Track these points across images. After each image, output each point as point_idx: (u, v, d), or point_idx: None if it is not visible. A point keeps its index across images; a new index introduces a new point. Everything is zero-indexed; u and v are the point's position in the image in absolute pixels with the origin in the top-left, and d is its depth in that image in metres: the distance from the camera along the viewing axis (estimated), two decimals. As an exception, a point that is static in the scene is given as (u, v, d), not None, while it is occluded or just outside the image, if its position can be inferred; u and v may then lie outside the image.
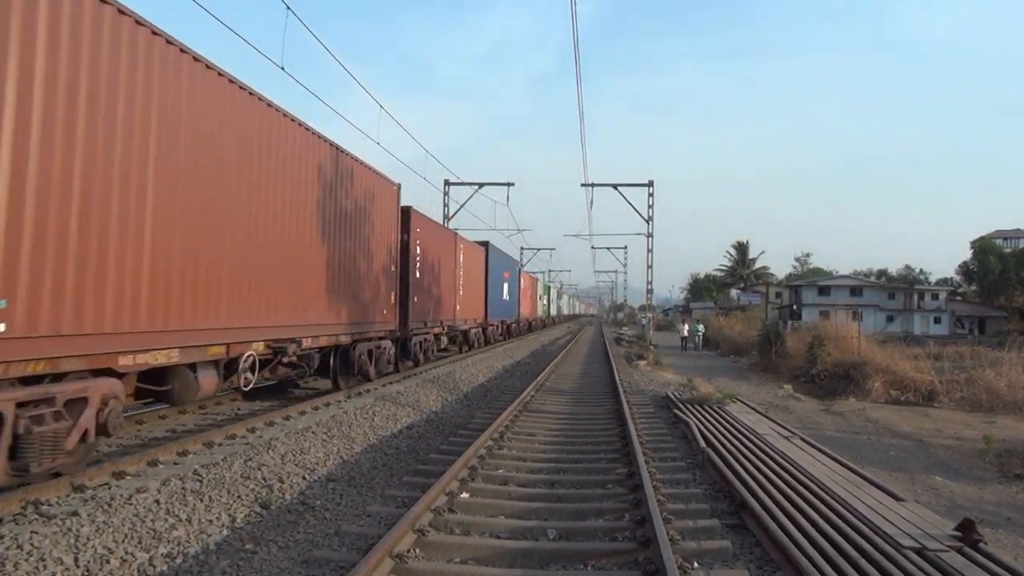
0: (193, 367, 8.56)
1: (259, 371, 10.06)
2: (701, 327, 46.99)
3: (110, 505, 5.91)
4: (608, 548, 5.79)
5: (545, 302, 59.80)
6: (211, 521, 6.15)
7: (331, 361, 13.01)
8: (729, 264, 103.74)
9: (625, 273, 78.82)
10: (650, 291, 39.55)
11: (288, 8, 10.98)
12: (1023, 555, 7.43)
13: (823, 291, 67.55)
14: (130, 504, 6.01)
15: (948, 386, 21.66)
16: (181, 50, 7.83)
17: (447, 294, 21.56)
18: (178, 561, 5.34)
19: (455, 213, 34.10)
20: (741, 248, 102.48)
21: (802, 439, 10.71)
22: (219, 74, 8.64)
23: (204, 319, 8.46)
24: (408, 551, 5.50)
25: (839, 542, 5.75)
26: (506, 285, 33.79)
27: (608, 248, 65.72)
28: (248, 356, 9.59)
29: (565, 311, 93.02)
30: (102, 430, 6.94)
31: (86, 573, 4.93)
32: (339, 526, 6.35)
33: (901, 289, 71.41)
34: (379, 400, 12.55)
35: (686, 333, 45.42)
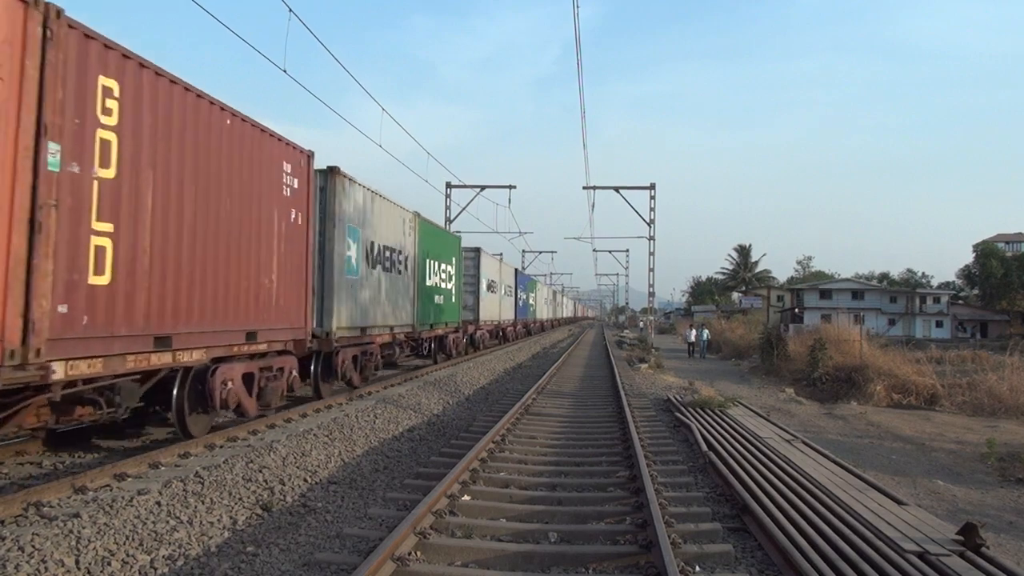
0: None
1: None
2: (706, 332, 46.35)
3: (111, 507, 5.91)
4: (609, 551, 5.78)
5: (448, 284, 21.66)
6: (212, 523, 6.15)
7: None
8: (731, 267, 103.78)
9: (627, 276, 78.83)
10: (652, 294, 39.55)
11: (291, 11, 11.00)
12: (1026, 560, 7.41)
13: (825, 294, 67.52)
14: (131, 506, 6.01)
15: (950, 390, 21.65)
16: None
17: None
18: (179, 563, 5.33)
19: (457, 215, 34.17)
20: (743, 251, 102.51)
21: (804, 443, 10.70)
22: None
23: None
24: (410, 554, 5.50)
25: (841, 546, 5.74)
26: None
27: (610, 251, 65.78)
28: None
29: (545, 315, 58.87)
30: None
31: (87, 575, 4.93)
32: (340, 528, 6.34)
33: (903, 293, 71.37)
34: (380, 403, 12.55)
35: (692, 339, 44.49)
